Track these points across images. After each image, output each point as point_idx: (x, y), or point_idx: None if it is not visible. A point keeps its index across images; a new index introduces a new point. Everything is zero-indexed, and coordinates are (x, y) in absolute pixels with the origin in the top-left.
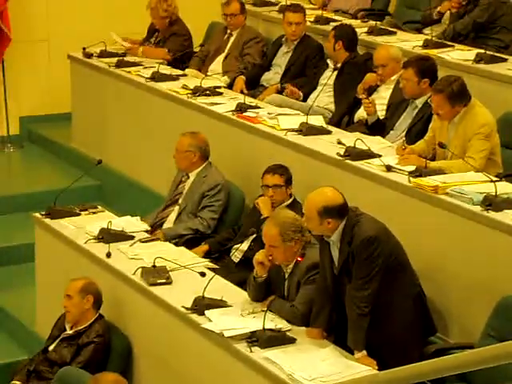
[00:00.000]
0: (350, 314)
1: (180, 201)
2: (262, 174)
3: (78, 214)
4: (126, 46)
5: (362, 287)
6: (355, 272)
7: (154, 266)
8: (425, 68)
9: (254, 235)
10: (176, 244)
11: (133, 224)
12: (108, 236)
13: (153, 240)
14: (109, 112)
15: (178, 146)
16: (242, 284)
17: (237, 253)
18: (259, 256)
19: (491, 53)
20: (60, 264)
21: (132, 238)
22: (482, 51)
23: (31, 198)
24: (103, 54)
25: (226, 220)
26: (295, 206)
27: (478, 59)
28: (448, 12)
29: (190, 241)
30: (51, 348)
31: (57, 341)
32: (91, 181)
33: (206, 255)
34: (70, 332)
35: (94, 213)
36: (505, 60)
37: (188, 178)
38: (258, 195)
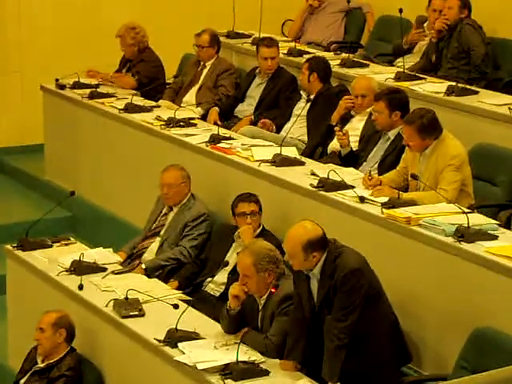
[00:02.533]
0: (328, 344)
1: (162, 232)
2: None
3: (50, 246)
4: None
5: (342, 318)
6: (337, 303)
7: (126, 298)
8: (396, 100)
9: (227, 266)
10: (159, 275)
11: (105, 256)
12: (80, 268)
13: (126, 271)
14: (82, 143)
15: (171, 180)
16: None
17: (215, 286)
18: (234, 290)
19: (462, 85)
20: (32, 296)
21: (104, 269)
22: (454, 84)
23: (3, 230)
24: (76, 86)
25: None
26: (266, 234)
27: (450, 92)
28: (420, 43)
29: (172, 271)
30: (22, 382)
31: (28, 374)
32: (64, 212)
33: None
34: (42, 365)
35: (66, 244)
36: (476, 92)
37: (171, 210)
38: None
